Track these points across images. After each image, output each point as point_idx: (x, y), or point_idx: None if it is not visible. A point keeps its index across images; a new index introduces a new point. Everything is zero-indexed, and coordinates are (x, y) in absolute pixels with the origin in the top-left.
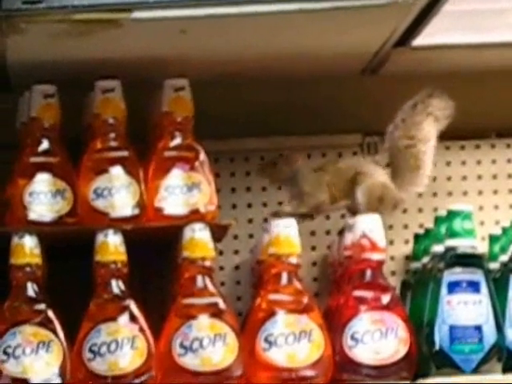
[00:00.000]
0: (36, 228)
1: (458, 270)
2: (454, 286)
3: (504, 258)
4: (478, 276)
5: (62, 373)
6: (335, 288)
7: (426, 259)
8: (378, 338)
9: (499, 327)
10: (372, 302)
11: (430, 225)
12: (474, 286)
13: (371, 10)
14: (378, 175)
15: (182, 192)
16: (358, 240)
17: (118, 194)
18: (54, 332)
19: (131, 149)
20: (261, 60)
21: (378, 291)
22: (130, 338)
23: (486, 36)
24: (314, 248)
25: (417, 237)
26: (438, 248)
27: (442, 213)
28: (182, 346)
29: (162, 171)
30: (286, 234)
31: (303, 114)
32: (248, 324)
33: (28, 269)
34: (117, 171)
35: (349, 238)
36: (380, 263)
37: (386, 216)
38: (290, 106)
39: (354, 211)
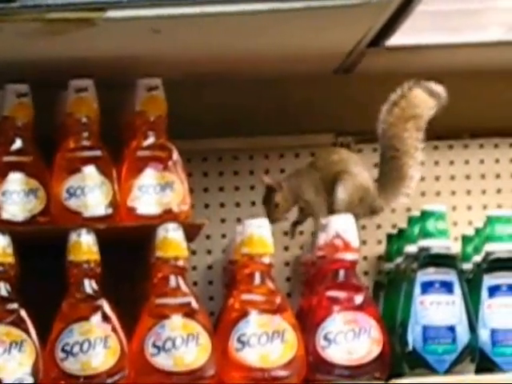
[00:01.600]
0: (8, 227)
1: (431, 270)
2: (427, 287)
3: (477, 258)
4: (451, 276)
5: (35, 373)
6: (308, 288)
7: (399, 259)
8: (351, 338)
9: (472, 328)
10: (345, 302)
11: (403, 225)
12: (447, 287)
13: (345, 9)
14: (362, 178)
15: (155, 191)
16: (331, 240)
17: (91, 193)
18: (27, 332)
19: (104, 148)
20: (234, 60)
21: (351, 291)
22: (102, 337)
23: (460, 36)
24: (286, 248)
25: (390, 237)
26: (412, 248)
27: (416, 213)
28: (154, 345)
29: (135, 171)
30: (259, 233)
31: (276, 113)
32: (221, 324)
33: (0, 268)
34: (90, 170)
35: (322, 238)
36: (353, 263)
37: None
38: (263, 106)
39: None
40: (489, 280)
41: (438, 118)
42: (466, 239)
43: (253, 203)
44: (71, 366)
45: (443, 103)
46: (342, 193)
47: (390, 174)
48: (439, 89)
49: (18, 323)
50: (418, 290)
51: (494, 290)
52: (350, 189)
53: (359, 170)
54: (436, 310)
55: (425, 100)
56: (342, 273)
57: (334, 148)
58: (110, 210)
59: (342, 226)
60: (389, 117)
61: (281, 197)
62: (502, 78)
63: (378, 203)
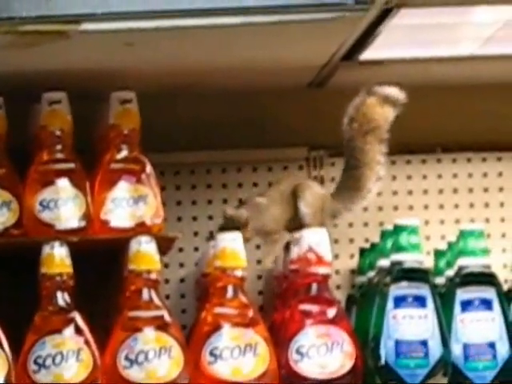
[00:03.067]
0: None
1: (404, 284)
2: (399, 301)
3: (450, 272)
4: (423, 291)
5: None
6: (280, 302)
7: (371, 273)
8: (323, 352)
9: (445, 342)
10: (318, 315)
11: (375, 239)
12: (419, 301)
13: (319, 23)
14: (315, 186)
15: (128, 204)
16: (304, 254)
17: (65, 205)
18: (0, 345)
19: (78, 161)
20: (207, 73)
21: (324, 305)
22: (75, 350)
23: (434, 50)
24: (259, 261)
25: (362, 251)
26: (384, 262)
27: (388, 227)
28: (127, 358)
29: (109, 183)
30: (232, 247)
31: (249, 127)
32: (193, 337)
33: None
34: (63, 183)
35: (295, 252)
36: (326, 277)
37: (328, 228)
38: (235, 119)
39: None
40: (461, 294)
41: (410, 133)
42: (438, 253)
43: None
44: (43, 378)
45: (401, 105)
46: (304, 206)
47: (348, 183)
48: (394, 91)
49: None
50: (390, 304)
51: (466, 305)
52: (310, 200)
53: (309, 181)
54: (409, 324)
55: (380, 111)
56: (314, 286)
57: (276, 181)
58: (83, 223)
59: (314, 239)
60: (349, 130)
61: (248, 233)
62: (475, 92)
63: (336, 206)
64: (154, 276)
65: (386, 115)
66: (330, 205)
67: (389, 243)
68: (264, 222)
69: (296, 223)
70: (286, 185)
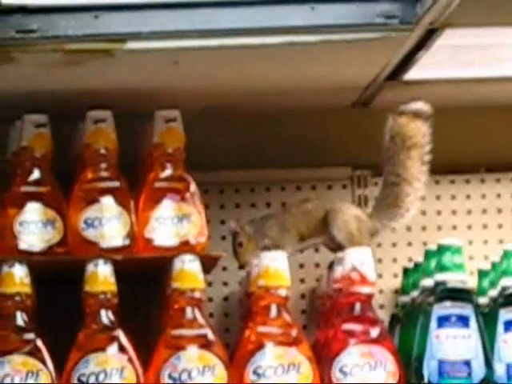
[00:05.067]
0: (26, 257)
1: (447, 304)
2: (443, 321)
3: (493, 292)
4: (467, 310)
5: None
6: (324, 321)
7: (415, 293)
8: (367, 371)
9: (488, 362)
10: (361, 335)
11: (419, 259)
12: (463, 321)
13: (364, 43)
14: (347, 209)
15: (172, 223)
16: (347, 273)
17: (109, 224)
18: (43, 361)
19: (122, 179)
20: (252, 92)
21: (367, 324)
22: (118, 368)
23: (478, 71)
24: (302, 280)
25: (406, 271)
26: (428, 282)
27: (432, 247)
28: (170, 377)
29: (153, 202)
30: (276, 266)
31: (293, 146)
32: (237, 356)
33: (18, 298)
34: (107, 201)
35: (338, 271)
36: (369, 297)
37: (371, 247)
38: (280, 139)
39: (331, 247)
40: (505, 314)
41: (454, 152)
42: (482, 273)
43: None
44: None
45: (430, 117)
46: (338, 232)
47: (387, 200)
48: (420, 105)
49: (35, 353)
50: (434, 323)
51: (509, 325)
52: (342, 225)
53: (341, 204)
54: (452, 344)
55: (414, 126)
56: (358, 306)
57: (305, 198)
58: (127, 241)
59: (358, 259)
60: (390, 148)
61: (243, 236)
62: None
63: (373, 225)
64: (197, 295)
65: (420, 129)
66: (367, 224)
67: (432, 263)
68: (263, 224)
69: (329, 244)
70: (314, 205)
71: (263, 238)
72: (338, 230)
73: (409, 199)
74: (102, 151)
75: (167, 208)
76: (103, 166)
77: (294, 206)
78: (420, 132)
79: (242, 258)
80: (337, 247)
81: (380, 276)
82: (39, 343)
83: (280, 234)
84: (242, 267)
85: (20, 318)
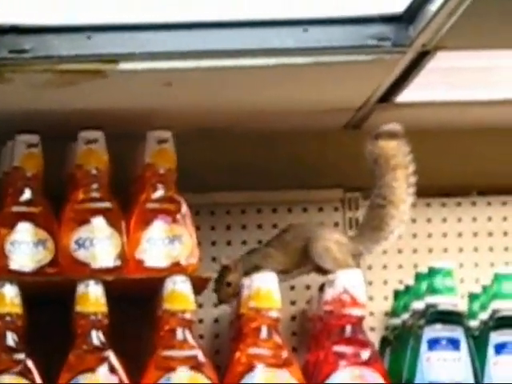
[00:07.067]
0: (17, 277)
1: (438, 326)
2: (433, 343)
3: (484, 315)
4: (457, 333)
5: None
6: (314, 343)
7: (405, 316)
8: None
9: None
10: (352, 357)
11: (409, 281)
12: (453, 344)
13: (356, 65)
14: (326, 235)
15: (163, 244)
16: (338, 295)
17: (100, 244)
18: (33, 382)
19: (114, 200)
20: (243, 113)
21: (358, 347)
22: None
23: (470, 93)
24: (293, 302)
25: (397, 293)
26: (418, 305)
27: (423, 269)
28: None
29: (144, 223)
30: (267, 287)
31: (285, 168)
32: (227, 377)
33: (8, 318)
34: (99, 222)
35: (329, 293)
36: (360, 319)
37: (361, 270)
38: (271, 160)
39: (320, 272)
40: (495, 338)
41: (446, 175)
42: (472, 296)
43: None
44: None
45: (404, 137)
46: (319, 260)
47: (371, 222)
48: (391, 126)
49: (25, 373)
50: (424, 346)
51: (500, 348)
52: (323, 252)
53: (320, 230)
54: (442, 366)
55: (394, 147)
56: (348, 328)
57: (283, 228)
58: (118, 262)
59: (349, 281)
60: (377, 168)
61: (234, 277)
62: (511, 135)
63: (355, 248)
64: (188, 316)
65: (399, 149)
66: (348, 247)
67: (423, 286)
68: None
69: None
70: (292, 237)
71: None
72: (320, 257)
73: (393, 222)
74: (94, 172)
75: (158, 229)
76: (95, 186)
77: (274, 239)
78: (400, 151)
79: (224, 296)
80: (325, 272)
81: (371, 298)
82: (29, 363)
83: (268, 265)
84: (220, 303)
85: (10, 338)
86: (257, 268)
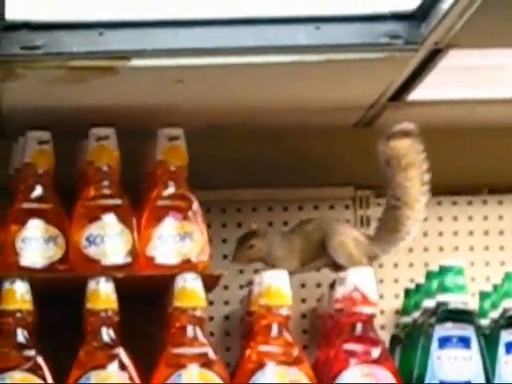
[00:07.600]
0: (28, 274)
1: (448, 325)
2: (444, 342)
3: (494, 314)
4: (468, 332)
5: None
6: (325, 341)
7: (416, 314)
8: None
9: (489, 383)
10: (362, 355)
11: (420, 280)
12: (464, 342)
13: (367, 63)
14: (344, 230)
15: (174, 241)
16: (349, 293)
17: (111, 241)
18: (43, 379)
19: (124, 197)
20: (255, 111)
21: (369, 345)
22: None
23: (482, 92)
24: (304, 300)
25: (407, 291)
26: (429, 303)
27: (434, 268)
28: None
29: (155, 220)
30: (278, 285)
31: (296, 165)
32: (238, 375)
33: (19, 314)
34: (110, 219)
35: (340, 291)
36: (371, 317)
37: (372, 268)
38: (282, 158)
39: (333, 268)
40: (506, 336)
41: (457, 174)
42: (483, 295)
43: None
44: None
45: (419, 135)
46: (335, 254)
47: (387, 224)
48: (404, 125)
49: (35, 370)
50: (435, 344)
51: (511, 347)
52: (339, 246)
53: (339, 225)
54: (453, 365)
55: (406, 146)
56: (359, 326)
57: (306, 219)
58: (129, 259)
59: (360, 279)
60: (389, 169)
61: (258, 242)
62: None
63: (371, 249)
64: (199, 313)
65: (412, 147)
66: (365, 246)
67: (434, 284)
68: (278, 254)
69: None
70: (313, 227)
71: (269, 255)
72: (335, 251)
73: (409, 222)
74: (105, 169)
75: (169, 226)
76: (106, 183)
77: (298, 227)
78: (413, 149)
79: (240, 256)
80: (339, 268)
81: (381, 297)
82: (40, 360)
83: (285, 255)
84: (234, 260)
85: (21, 335)
86: (279, 246)
